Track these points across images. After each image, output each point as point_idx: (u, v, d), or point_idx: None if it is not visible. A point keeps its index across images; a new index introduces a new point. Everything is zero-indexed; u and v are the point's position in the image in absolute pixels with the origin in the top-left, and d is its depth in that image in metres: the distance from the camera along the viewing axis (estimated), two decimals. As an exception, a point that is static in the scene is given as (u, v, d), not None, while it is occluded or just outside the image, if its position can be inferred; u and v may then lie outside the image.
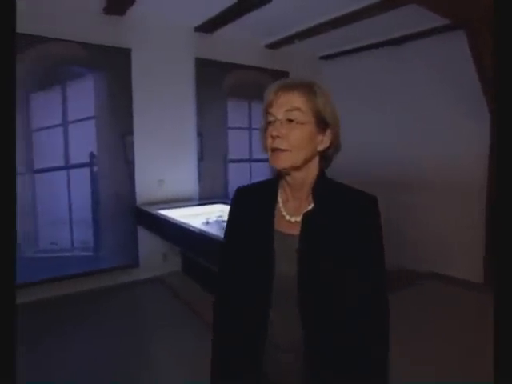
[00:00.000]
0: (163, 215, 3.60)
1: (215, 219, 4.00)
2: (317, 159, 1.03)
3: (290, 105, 0.96)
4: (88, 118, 3.80)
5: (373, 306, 0.99)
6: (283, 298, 1.00)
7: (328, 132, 1.00)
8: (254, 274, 1.03)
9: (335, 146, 1.04)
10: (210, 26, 4.10)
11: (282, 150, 0.97)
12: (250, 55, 4.67)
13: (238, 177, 4.86)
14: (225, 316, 1.11)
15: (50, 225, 3.78)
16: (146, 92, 3.99)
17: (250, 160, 5.00)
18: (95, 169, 3.91)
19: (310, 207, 1.02)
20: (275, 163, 0.99)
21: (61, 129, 3.70)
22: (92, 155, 3.88)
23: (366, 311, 0.98)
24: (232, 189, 4.79)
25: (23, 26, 3.33)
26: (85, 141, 3.81)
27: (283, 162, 0.97)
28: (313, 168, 1.03)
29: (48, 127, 3.65)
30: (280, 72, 4.83)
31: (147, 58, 3.95)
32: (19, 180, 3.57)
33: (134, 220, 4.07)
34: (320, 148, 1.01)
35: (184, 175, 4.39)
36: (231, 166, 4.79)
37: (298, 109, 0.96)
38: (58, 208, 3.78)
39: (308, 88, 0.98)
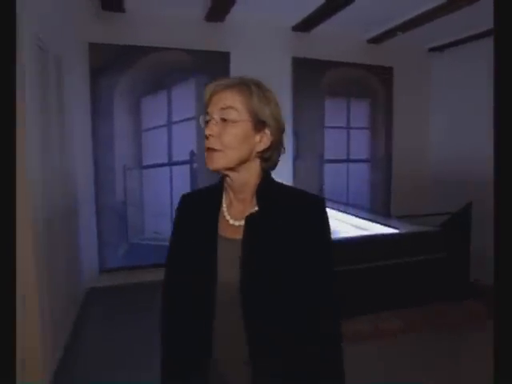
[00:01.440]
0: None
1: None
2: (257, 161, 0.98)
3: (223, 103, 0.92)
4: (189, 119, 4.10)
5: (322, 312, 0.95)
6: (227, 308, 0.95)
7: (266, 132, 0.95)
8: (197, 283, 0.98)
9: (276, 147, 0.98)
10: (308, 24, 4.07)
11: (215, 150, 0.93)
12: (349, 51, 4.50)
13: (335, 177, 4.72)
14: (171, 327, 1.06)
15: (154, 216, 4.17)
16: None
17: (348, 160, 4.81)
18: (195, 166, 4.20)
19: (254, 210, 0.97)
20: (208, 164, 0.95)
21: (165, 129, 4.07)
22: (192, 153, 4.17)
23: (314, 318, 0.94)
24: (328, 190, 4.68)
25: (137, 38, 3.76)
26: (186, 140, 4.12)
27: (216, 162, 0.93)
28: (253, 169, 0.98)
29: (154, 127, 4.04)
30: (383, 68, 4.56)
31: (245, 60, 4.10)
32: (129, 174, 4.02)
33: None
34: (259, 149, 0.95)
35: (278, 174, 4.41)
36: (327, 166, 4.67)
37: (231, 107, 0.92)
38: (161, 201, 4.15)
39: (245, 86, 0.93)
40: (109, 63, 3.77)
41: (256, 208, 0.97)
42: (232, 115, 0.91)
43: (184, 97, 4.08)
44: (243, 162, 0.94)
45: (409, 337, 2.82)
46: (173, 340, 1.05)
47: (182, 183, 4.18)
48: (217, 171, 0.95)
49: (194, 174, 4.21)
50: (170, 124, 4.07)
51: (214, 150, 0.93)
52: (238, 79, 0.96)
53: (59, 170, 3.03)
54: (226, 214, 1.01)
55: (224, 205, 1.02)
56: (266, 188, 0.98)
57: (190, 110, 4.08)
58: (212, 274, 0.96)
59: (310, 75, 4.38)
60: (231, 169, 0.94)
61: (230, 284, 0.93)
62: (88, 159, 3.86)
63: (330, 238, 0.98)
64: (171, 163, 4.15)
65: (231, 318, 0.95)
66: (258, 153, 0.95)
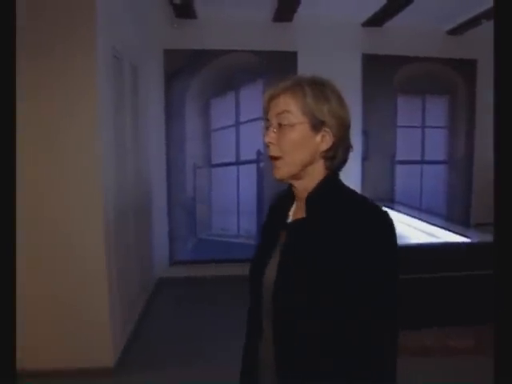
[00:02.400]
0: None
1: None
2: (321, 162, 0.92)
3: (279, 108, 0.89)
4: (257, 119, 4.17)
5: (364, 347, 0.83)
6: (269, 308, 0.93)
7: (327, 131, 0.89)
8: (252, 288, 0.99)
9: (340, 144, 0.91)
10: (379, 19, 3.90)
11: (276, 158, 0.90)
12: (426, 45, 4.20)
13: (407, 180, 4.47)
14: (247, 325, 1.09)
15: (221, 213, 4.33)
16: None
17: (422, 162, 4.52)
18: (261, 165, 4.27)
19: (301, 216, 0.93)
20: (273, 174, 0.92)
21: (233, 129, 4.20)
22: (259, 152, 4.24)
23: (355, 352, 0.83)
24: (399, 193, 4.45)
25: (208, 43, 3.92)
26: (253, 139, 4.20)
27: (279, 171, 0.91)
28: (317, 172, 0.92)
29: (223, 128, 4.19)
30: (464, 61, 4.19)
31: (312, 59, 4.04)
32: (199, 173, 4.22)
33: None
34: (321, 149, 0.90)
35: (347, 175, 4.28)
36: (399, 167, 4.44)
37: (286, 111, 0.89)
38: (228, 199, 4.30)
39: (298, 87, 0.90)
40: (181, 68, 4.00)
41: (304, 214, 0.93)
42: (287, 119, 0.89)
43: (251, 97, 4.16)
44: (307, 165, 0.91)
45: (480, 357, 2.56)
46: (246, 337, 1.07)
47: (248, 182, 4.28)
48: (281, 181, 0.93)
49: (260, 173, 4.29)
50: (237, 124, 4.19)
51: (275, 157, 0.91)
52: (292, 81, 0.92)
53: (133, 169, 3.30)
54: (290, 218, 0.99)
55: (292, 209, 1.00)
56: (320, 193, 0.92)
57: (258, 110, 4.09)
58: (261, 272, 0.96)
59: (381, 72, 4.20)
60: (295, 176, 0.92)
61: (269, 290, 0.92)
62: (162, 159, 4.14)
63: (386, 256, 0.85)
64: (238, 162, 4.27)
65: (268, 325, 0.94)
66: (322, 153, 0.90)
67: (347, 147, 0.93)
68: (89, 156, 2.49)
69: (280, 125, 0.89)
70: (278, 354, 0.90)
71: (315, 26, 4.02)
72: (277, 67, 4.02)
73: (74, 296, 2.57)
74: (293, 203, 0.99)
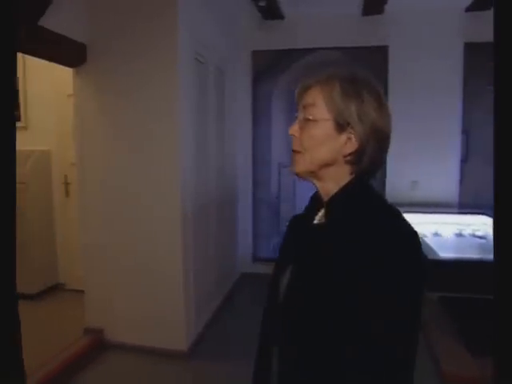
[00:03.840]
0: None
1: (471, 232, 3.39)
2: (345, 167, 0.84)
3: (306, 101, 0.85)
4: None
5: None
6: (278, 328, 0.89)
7: (351, 133, 0.81)
8: (271, 286, 0.95)
9: (367, 152, 0.82)
10: (486, 0, 3.45)
11: (297, 152, 0.86)
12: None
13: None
14: None
15: (305, 212, 4.29)
16: (403, 88, 3.83)
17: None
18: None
19: (318, 223, 0.87)
20: (291, 167, 0.88)
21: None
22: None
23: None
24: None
25: (294, 42, 3.94)
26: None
27: (296, 165, 0.86)
28: (340, 176, 0.84)
29: (308, 127, 4.15)
30: None
31: (405, 52, 3.79)
32: (283, 172, 4.25)
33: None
34: (345, 152, 0.82)
35: (442, 178, 3.92)
36: (509, 170, 3.87)
37: (312, 105, 0.83)
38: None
39: (328, 80, 0.83)
40: (268, 68, 4.08)
41: (321, 221, 0.87)
42: (312, 113, 0.84)
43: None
44: (327, 165, 0.84)
45: None
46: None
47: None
48: (298, 176, 0.88)
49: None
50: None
51: (295, 151, 0.87)
52: (327, 74, 0.87)
53: (216, 167, 3.47)
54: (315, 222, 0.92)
55: (319, 214, 0.91)
56: (343, 199, 0.84)
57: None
58: (277, 285, 0.92)
59: (486, 64, 3.71)
60: (314, 174, 0.86)
61: (280, 299, 0.89)
62: (248, 157, 4.27)
63: (395, 299, 0.73)
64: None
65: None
66: (345, 156, 0.83)
67: (378, 155, 0.83)
68: (169, 155, 2.71)
69: (306, 119, 0.84)
70: (280, 360, 0.86)
71: (409, 16, 3.74)
72: (366, 63, 3.84)
73: (153, 282, 2.81)
74: (320, 209, 0.91)
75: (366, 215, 0.80)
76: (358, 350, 0.72)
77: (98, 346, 2.87)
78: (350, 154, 0.82)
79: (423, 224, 3.34)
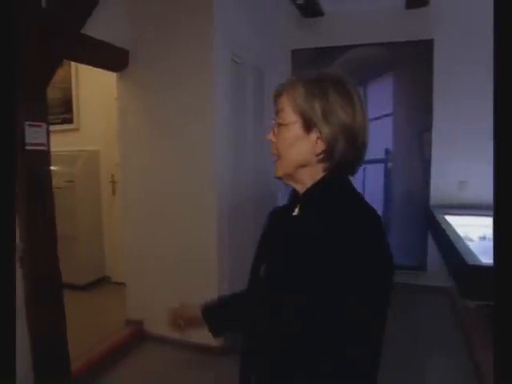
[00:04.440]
0: (441, 221, 3.22)
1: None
2: (318, 166, 0.87)
3: (277, 107, 0.89)
4: (385, 116, 3.91)
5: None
6: None
7: (319, 131, 0.84)
8: (251, 277, 1.01)
9: (338, 147, 0.84)
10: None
11: (275, 156, 0.90)
12: None
13: None
14: None
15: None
16: (450, 85, 3.64)
17: None
18: (389, 165, 3.99)
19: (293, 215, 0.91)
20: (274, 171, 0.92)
21: (361, 127, 4.02)
22: (387, 151, 3.97)
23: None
24: None
25: (335, 39, 3.88)
26: (381, 137, 3.96)
27: (276, 170, 0.90)
28: (314, 175, 0.87)
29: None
30: None
31: (452, 45, 3.59)
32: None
33: (424, 221, 3.85)
34: (316, 150, 0.85)
35: (477, 183, 3.67)
36: None
37: (281, 110, 0.87)
38: (376, 197, 4.10)
39: (293, 83, 0.87)
40: (308, 66, 4.04)
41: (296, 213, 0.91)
42: (281, 118, 0.87)
43: (380, 93, 3.93)
44: (301, 166, 0.87)
45: None
46: None
47: (375, 182, 4.05)
48: (279, 179, 0.92)
49: (388, 173, 4.01)
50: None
51: (274, 156, 0.91)
52: (293, 78, 0.90)
53: (254, 165, 3.50)
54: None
55: (296, 210, 0.94)
56: (314, 193, 0.87)
57: (387, 106, 3.90)
58: (257, 275, 0.96)
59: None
60: (291, 177, 0.89)
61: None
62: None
63: (359, 265, 0.76)
64: (365, 161, 4.04)
65: None
66: (317, 155, 0.85)
67: (349, 152, 0.85)
68: (206, 155, 2.78)
69: (278, 123, 0.89)
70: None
71: (458, 5, 3.53)
72: (409, 58, 3.71)
73: (190, 278, 2.89)
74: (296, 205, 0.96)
75: (333, 208, 0.83)
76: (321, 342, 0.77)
77: (137, 336, 3.01)
78: (321, 153, 0.84)
79: (471, 227, 3.15)
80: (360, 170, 3.52)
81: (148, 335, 3.02)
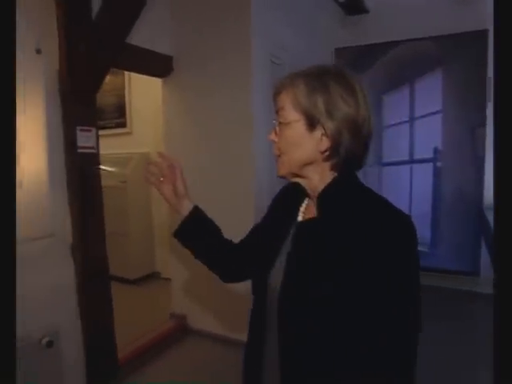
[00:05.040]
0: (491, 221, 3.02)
1: None
2: (324, 163, 0.84)
3: (277, 105, 0.87)
4: (434, 113, 3.75)
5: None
6: (272, 316, 0.87)
7: (322, 128, 0.81)
8: (257, 282, 0.96)
9: (343, 144, 0.81)
10: None
11: (277, 156, 0.88)
12: None
13: None
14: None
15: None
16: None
17: None
18: (438, 164, 3.81)
19: (311, 217, 0.88)
20: (277, 172, 0.91)
21: (407, 125, 3.88)
22: (436, 150, 3.80)
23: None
24: None
25: (380, 35, 3.79)
26: (430, 136, 3.80)
27: (279, 169, 0.89)
28: (324, 172, 0.85)
29: (396, 124, 3.94)
30: None
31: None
32: (369, 171, 4.10)
33: (477, 222, 3.64)
34: (321, 148, 0.82)
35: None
36: None
37: (282, 108, 0.85)
38: (400, 200, 4.00)
39: (292, 80, 0.84)
40: (352, 65, 3.97)
41: (315, 214, 0.87)
42: (283, 117, 0.85)
43: (428, 89, 3.76)
44: (306, 165, 0.85)
45: None
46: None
47: (423, 182, 3.90)
48: (283, 178, 0.91)
49: (437, 173, 3.83)
50: (412, 120, 3.86)
51: (277, 155, 0.89)
52: (292, 74, 0.87)
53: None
54: (300, 216, 0.93)
55: (303, 205, 0.94)
56: (333, 193, 0.84)
57: (436, 103, 3.73)
58: (265, 280, 0.92)
59: None
60: (297, 175, 0.87)
61: (274, 293, 0.88)
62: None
63: (404, 269, 0.76)
64: (413, 161, 3.93)
65: (272, 327, 0.88)
66: (322, 153, 0.83)
67: (355, 146, 0.82)
68: (244, 156, 2.84)
69: (279, 122, 0.86)
70: (283, 360, 0.85)
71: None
72: (459, 52, 3.52)
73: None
74: (303, 199, 0.94)
75: (359, 207, 0.80)
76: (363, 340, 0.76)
77: (181, 330, 3.14)
78: (326, 150, 0.82)
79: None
80: (407, 170, 3.42)
81: (190, 329, 3.15)
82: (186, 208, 1.13)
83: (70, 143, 2.26)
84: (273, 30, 2.99)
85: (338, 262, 0.77)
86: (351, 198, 0.83)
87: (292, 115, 0.83)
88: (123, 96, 4.25)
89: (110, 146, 4.34)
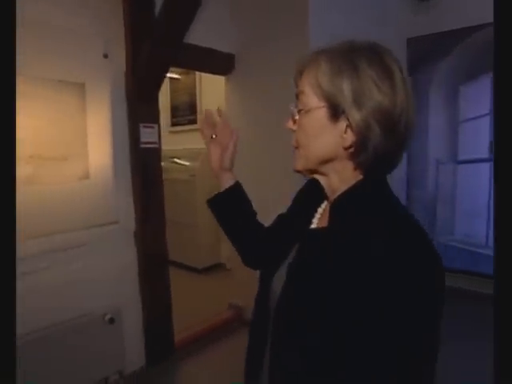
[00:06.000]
0: None
1: None
2: (348, 162, 0.70)
3: (298, 89, 0.73)
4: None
5: None
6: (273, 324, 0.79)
7: (347, 120, 0.67)
8: (261, 287, 0.88)
9: (368, 141, 0.66)
10: None
11: (295, 148, 0.76)
12: None
13: None
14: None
15: (467, 216, 3.74)
16: None
17: None
18: None
19: (321, 226, 0.77)
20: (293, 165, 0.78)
21: (487, 119, 3.52)
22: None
23: None
24: None
25: (456, 21, 3.51)
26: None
27: (295, 163, 0.76)
28: (345, 171, 0.71)
29: (474, 118, 3.59)
30: None
31: None
32: (442, 169, 3.82)
33: None
34: (345, 144, 0.68)
35: None
36: None
37: (302, 92, 0.71)
38: (476, 200, 3.66)
39: (314, 58, 0.70)
40: (425, 54, 3.71)
41: (319, 225, 0.78)
42: (303, 103, 0.71)
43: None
44: (326, 162, 0.72)
45: None
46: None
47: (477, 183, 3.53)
48: (299, 173, 0.78)
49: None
50: (492, 113, 3.50)
51: (294, 147, 0.77)
52: (319, 51, 0.72)
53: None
54: (315, 219, 0.82)
55: (322, 207, 0.83)
56: (349, 201, 0.71)
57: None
58: (269, 286, 0.85)
59: None
60: (314, 171, 0.75)
61: (275, 296, 0.79)
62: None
63: (418, 306, 0.60)
64: (492, 158, 3.57)
65: (268, 337, 0.80)
66: (346, 149, 0.69)
67: (387, 146, 0.67)
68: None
69: (298, 110, 0.73)
70: (271, 366, 0.78)
71: None
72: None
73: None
74: (323, 200, 0.82)
75: (380, 224, 0.65)
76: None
77: (237, 320, 3.24)
78: (350, 146, 0.68)
79: None
80: (486, 168, 3.16)
81: (247, 321, 3.24)
82: (227, 181, 1.06)
83: (134, 139, 2.46)
84: (334, 21, 2.93)
85: (329, 289, 0.66)
86: (369, 212, 0.68)
87: (313, 101, 0.69)
88: (194, 94, 4.48)
89: (183, 142, 4.60)
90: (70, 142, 2.13)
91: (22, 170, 1.94)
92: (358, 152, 0.68)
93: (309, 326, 0.68)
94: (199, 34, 2.70)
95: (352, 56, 0.67)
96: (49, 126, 2.04)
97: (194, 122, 4.55)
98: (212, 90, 4.31)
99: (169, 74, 4.38)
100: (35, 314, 2.01)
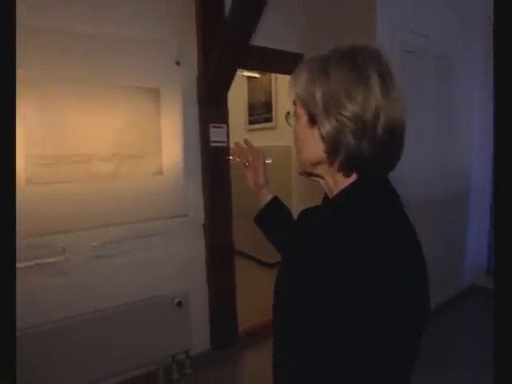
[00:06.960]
0: None
1: None
2: (332, 164, 0.72)
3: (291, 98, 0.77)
4: None
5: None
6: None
7: (320, 126, 0.69)
8: (274, 291, 0.90)
9: (339, 145, 0.67)
10: None
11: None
12: None
13: None
14: None
15: None
16: None
17: None
18: None
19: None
20: None
21: None
22: None
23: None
24: None
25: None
26: None
27: (297, 166, 0.81)
28: (332, 174, 0.73)
29: None
30: None
31: None
32: None
33: None
34: (324, 149, 0.70)
35: None
36: None
37: (293, 101, 0.75)
38: None
39: (300, 67, 0.74)
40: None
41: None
42: (293, 109, 0.76)
43: None
44: (315, 165, 0.74)
45: None
46: None
47: None
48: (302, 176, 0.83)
49: None
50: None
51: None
52: (309, 59, 0.75)
53: (439, 160, 3.25)
54: None
55: None
56: (339, 202, 0.73)
57: None
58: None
59: None
60: (311, 174, 0.78)
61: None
62: (484, 154, 3.66)
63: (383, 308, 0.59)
64: None
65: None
66: (325, 154, 0.71)
67: (367, 148, 0.66)
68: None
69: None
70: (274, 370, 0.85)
71: None
72: None
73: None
74: None
75: (349, 226, 0.67)
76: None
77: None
78: (325, 151, 0.70)
79: None
80: None
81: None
82: (265, 197, 1.15)
83: (204, 139, 2.64)
84: (404, 17, 2.81)
85: (309, 291, 0.68)
86: (350, 214, 0.69)
87: (299, 110, 0.73)
88: (270, 93, 4.59)
89: (259, 139, 4.75)
90: (146, 141, 2.38)
91: (106, 166, 2.22)
92: (331, 157, 0.69)
93: (288, 319, 0.73)
94: (264, 35, 2.77)
95: (326, 63, 0.68)
96: (128, 128, 2.30)
97: (269, 120, 4.67)
98: (287, 88, 4.37)
99: (247, 73, 4.55)
100: (115, 292, 2.32)
